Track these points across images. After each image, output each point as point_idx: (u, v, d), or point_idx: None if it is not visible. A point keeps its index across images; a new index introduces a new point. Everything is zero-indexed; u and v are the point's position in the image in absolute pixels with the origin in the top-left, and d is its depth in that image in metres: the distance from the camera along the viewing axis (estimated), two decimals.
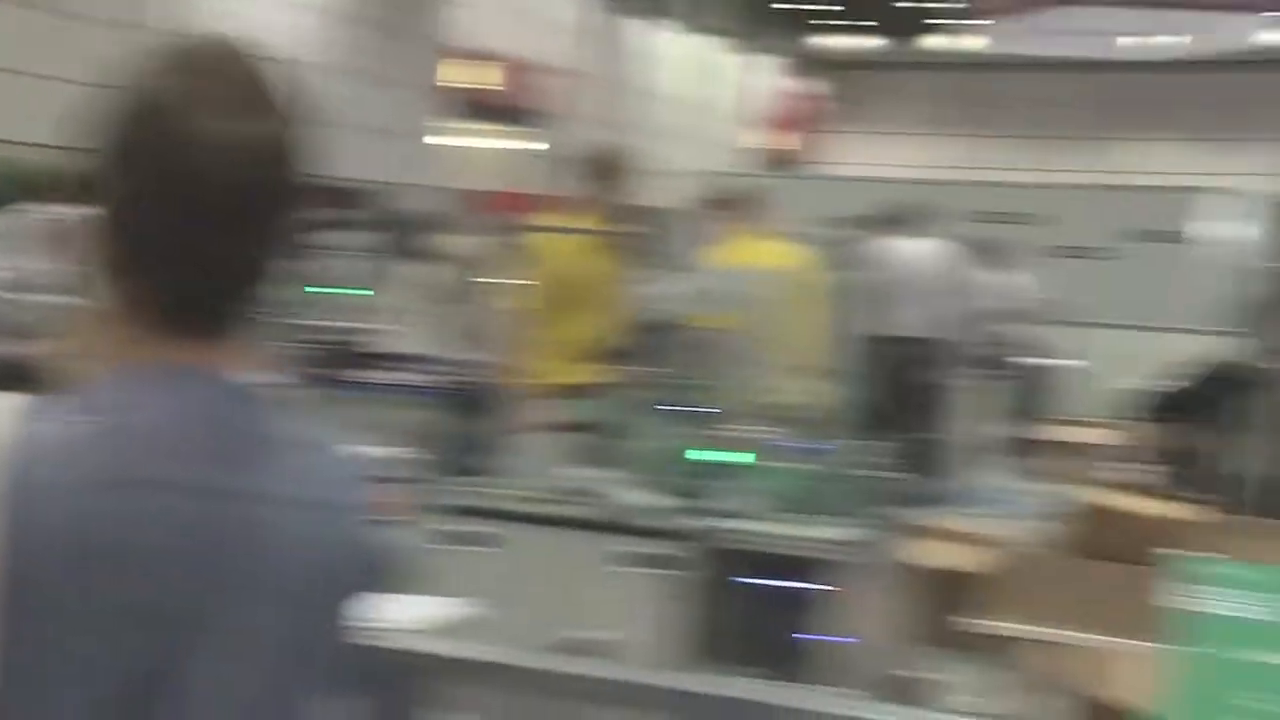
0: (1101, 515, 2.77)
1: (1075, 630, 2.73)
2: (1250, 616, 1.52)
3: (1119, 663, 2.69)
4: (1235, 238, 11.19)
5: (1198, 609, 1.54)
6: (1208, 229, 12.69)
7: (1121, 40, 11.21)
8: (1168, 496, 2.97)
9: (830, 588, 3.78)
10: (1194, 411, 5.82)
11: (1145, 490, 2.97)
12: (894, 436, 4.85)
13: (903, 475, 4.61)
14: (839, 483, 3.96)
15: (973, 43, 18.40)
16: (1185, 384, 6.20)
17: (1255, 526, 3.41)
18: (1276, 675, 1.48)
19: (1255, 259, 4.64)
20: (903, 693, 3.63)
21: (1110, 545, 2.70)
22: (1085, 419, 9.47)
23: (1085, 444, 8.38)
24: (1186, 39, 10.74)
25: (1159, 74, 25.82)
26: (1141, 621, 1.76)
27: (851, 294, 4.77)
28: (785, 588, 3.93)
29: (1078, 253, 12.27)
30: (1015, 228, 11.80)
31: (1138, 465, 6.53)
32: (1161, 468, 5.81)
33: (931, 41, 28.30)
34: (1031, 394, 9.44)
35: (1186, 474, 5.55)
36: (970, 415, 8.33)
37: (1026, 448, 8.53)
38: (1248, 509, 4.37)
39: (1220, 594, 1.54)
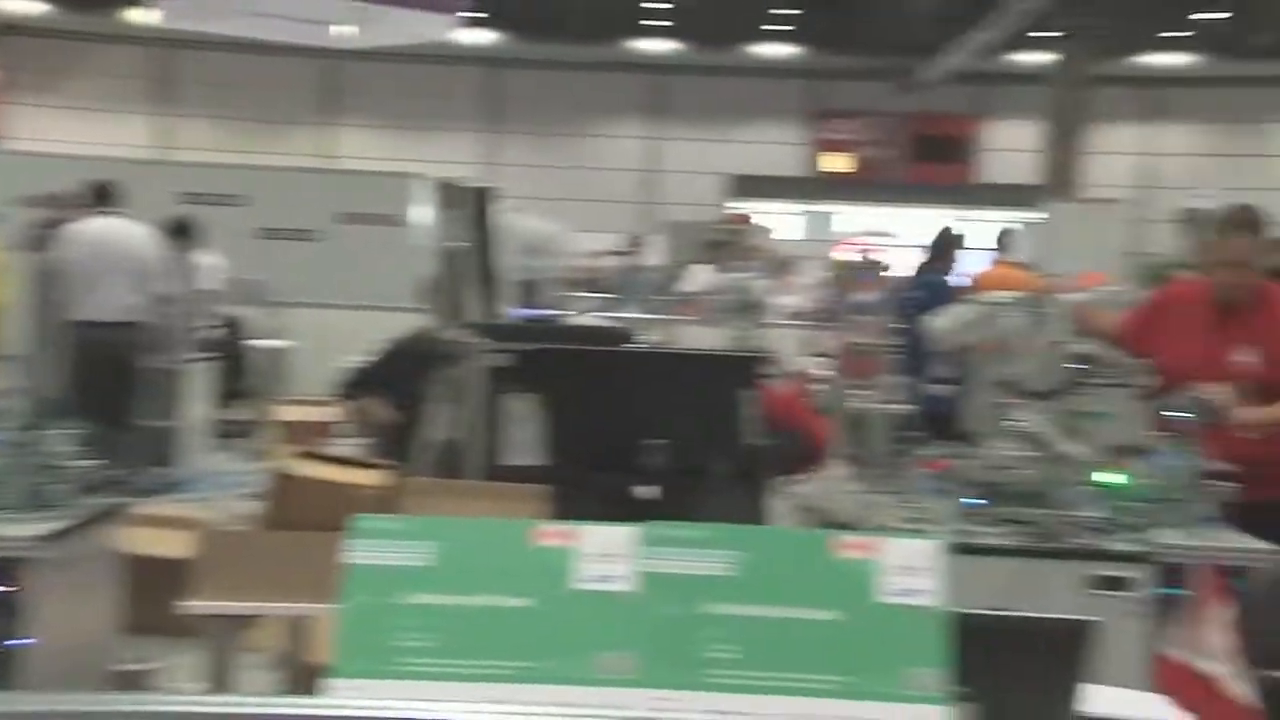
0: (292, 486, 2.86)
1: (276, 601, 2.81)
2: (403, 564, 1.66)
3: (317, 626, 2.80)
4: (428, 220, 11.91)
5: (359, 562, 1.65)
6: (411, 212, 13.46)
7: (334, 29, 11.46)
8: (361, 464, 3.13)
9: (17, 587, 3.56)
10: (386, 384, 6.17)
11: (339, 460, 3.10)
12: (102, 423, 4.63)
13: (110, 463, 4.42)
14: (22, 474, 3.73)
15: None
16: (377, 359, 6.54)
17: (433, 486, 3.71)
18: (427, 614, 1.63)
19: (438, 240, 4.99)
20: (125, 685, 3.51)
21: (303, 515, 2.80)
22: (303, 397, 9.69)
23: (304, 422, 8.57)
24: (384, 30, 11.19)
25: (367, 62, 26.84)
26: (333, 585, 1.84)
27: (42, 277, 4.49)
28: None
29: (288, 234, 12.44)
30: (221, 209, 11.75)
31: (349, 439, 6.80)
32: (368, 439, 6.11)
33: (132, 14, 27.15)
34: (245, 375, 9.47)
35: (387, 444, 5.89)
36: (190, 398, 8.20)
37: (246, 428, 8.55)
38: (433, 471, 4.74)
39: (377, 546, 1.66)
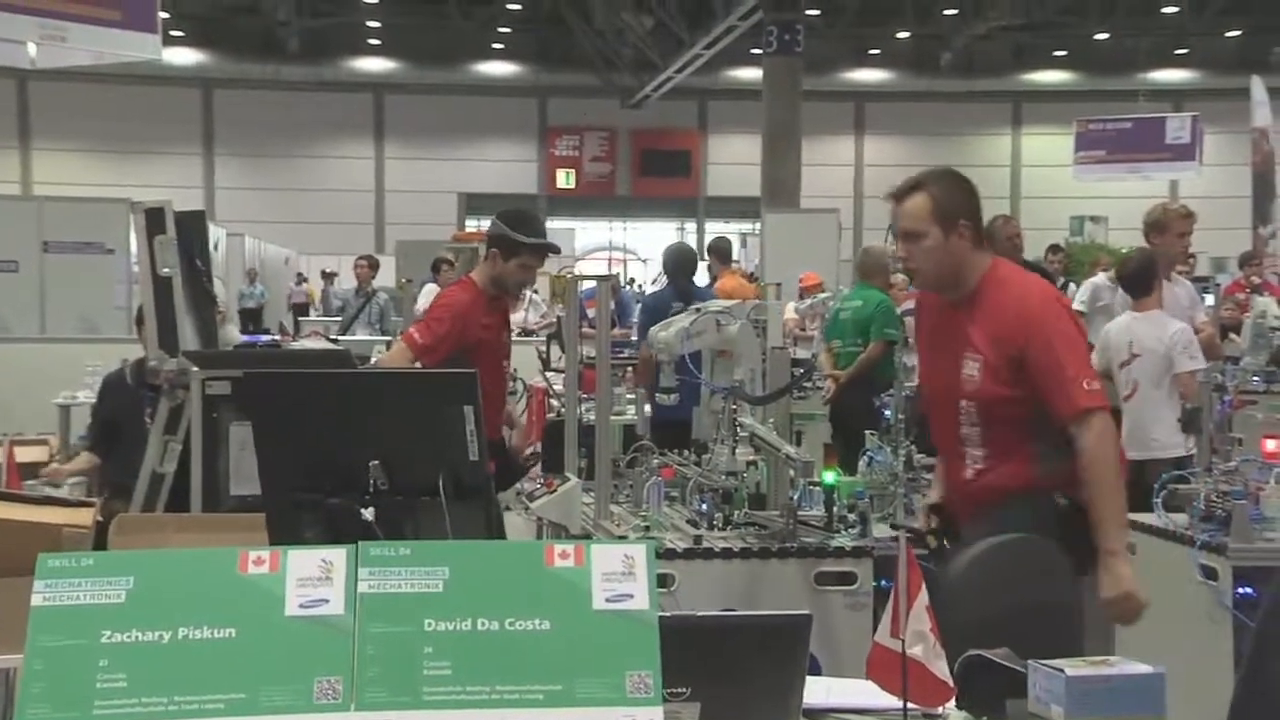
0: None
1: None
2: (96, 602, 1.58)
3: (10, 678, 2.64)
4: (137, 248, 11.48)
5: (46, 604, 1.56)
6: (123, 240, 12.92)
7: (31, 47, 10.88)
8: (63, 504, 2.98)
9: None
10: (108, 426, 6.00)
11: (38, 500, 2.94)
12: None
13: None
14: None
15: None
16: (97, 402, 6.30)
17: (145, 521, 3.57)
18: (123, 653, 1.56)
19: (148, 268, 4.80)
20: None
21: (5, 559, 2.64)
22: (10, 436, 9.18)
23: (9, 462, 8.10)
24: (84, 49, 10.70)
25: (65, 84, 25.60)
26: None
27: None
28: None
29: None
30: None
31: (60, 478, 6.47)
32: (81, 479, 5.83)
33: None
34: None
35: (103, 479, 5.66)
36: None
37: None
38: (158, 507, 4.57)
39: (67, 585, 1.58)
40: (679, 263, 8.37)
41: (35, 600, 1.56)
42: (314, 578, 1.63)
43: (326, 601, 1.62)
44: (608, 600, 1.67)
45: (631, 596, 1.67)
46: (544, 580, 1.67)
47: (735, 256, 20.90)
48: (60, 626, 1.56)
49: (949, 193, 3.57)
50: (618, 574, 1.68)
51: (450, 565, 1.66)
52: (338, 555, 1.65)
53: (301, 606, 1.62)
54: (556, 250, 5.40)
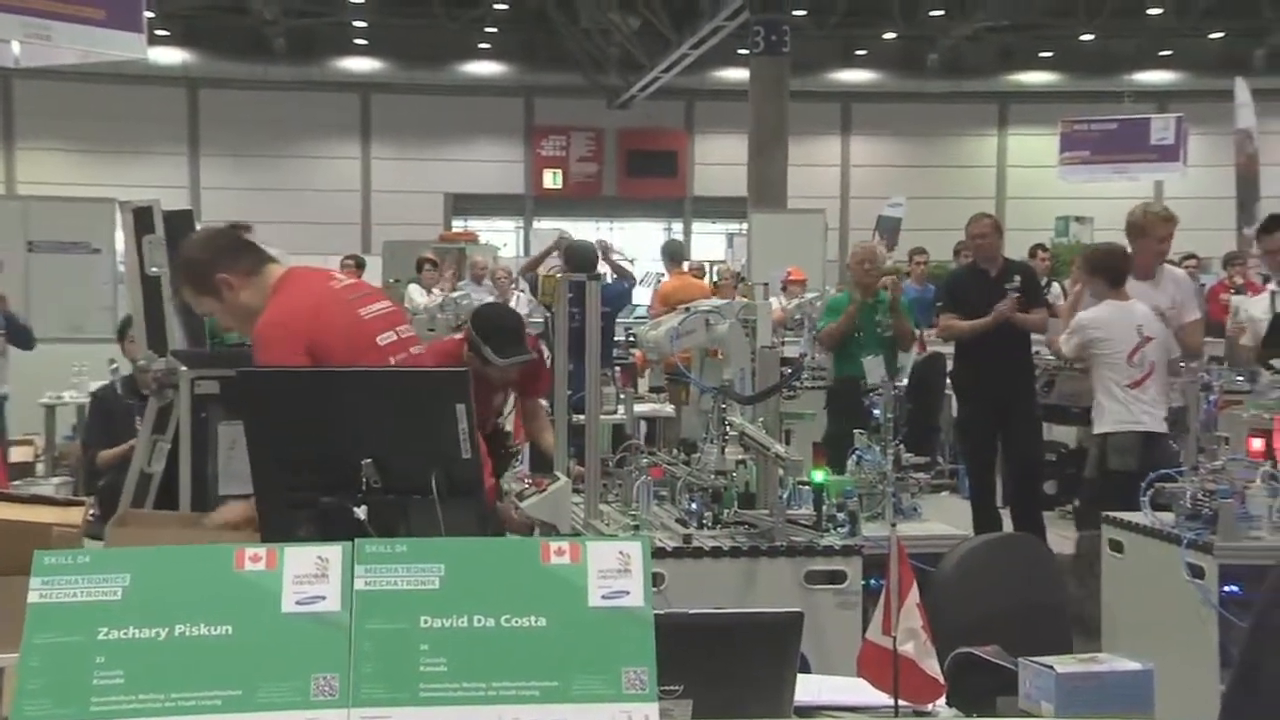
0: None
1: None
2: (92, 599, 1.58)
3: (5, 676, 2.64)
4: (125, 248, 11.46)
5: (42, 600, 1.57)
6: (108, 239, 12.88)
7: (16, 47, 10.83)
8: (53, 503, 2.97)
9: None
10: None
11: (27, 499, 2.93)
12: None
13: None
14: None
15: None
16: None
17: (138, 519, 3.57)
18: (120, 650, 1.56)
19: (135, 268, 4.79)
20: None
21: None
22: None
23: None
24: (67, 47, 10.67)
25: (50, 83, 25.50)
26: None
27: None
28: None
29: None
30: None
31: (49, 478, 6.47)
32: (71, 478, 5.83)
33: None
34: None
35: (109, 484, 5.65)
36: None
37: None
38: (133, 506, 4.55)
39: (63, 582, 1.58)
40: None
41: (32, 597, 1.57)
42: (310, 575, 1.64)
43: (323, 599, 1.63)
44: (603, 597, 1.67)
45: (627, 593, 1.68)
46: (540, 577, 1.67)
47: (721, 256, 20.91)
48: (57, 623, 1.56)
49: None
50: (613, 571, 1.69)
51: (446, 562, 1.66)
52: (334, 552, 1.66)
53: (298, 603, 1.62)
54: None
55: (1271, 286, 6.34)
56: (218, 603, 1.60)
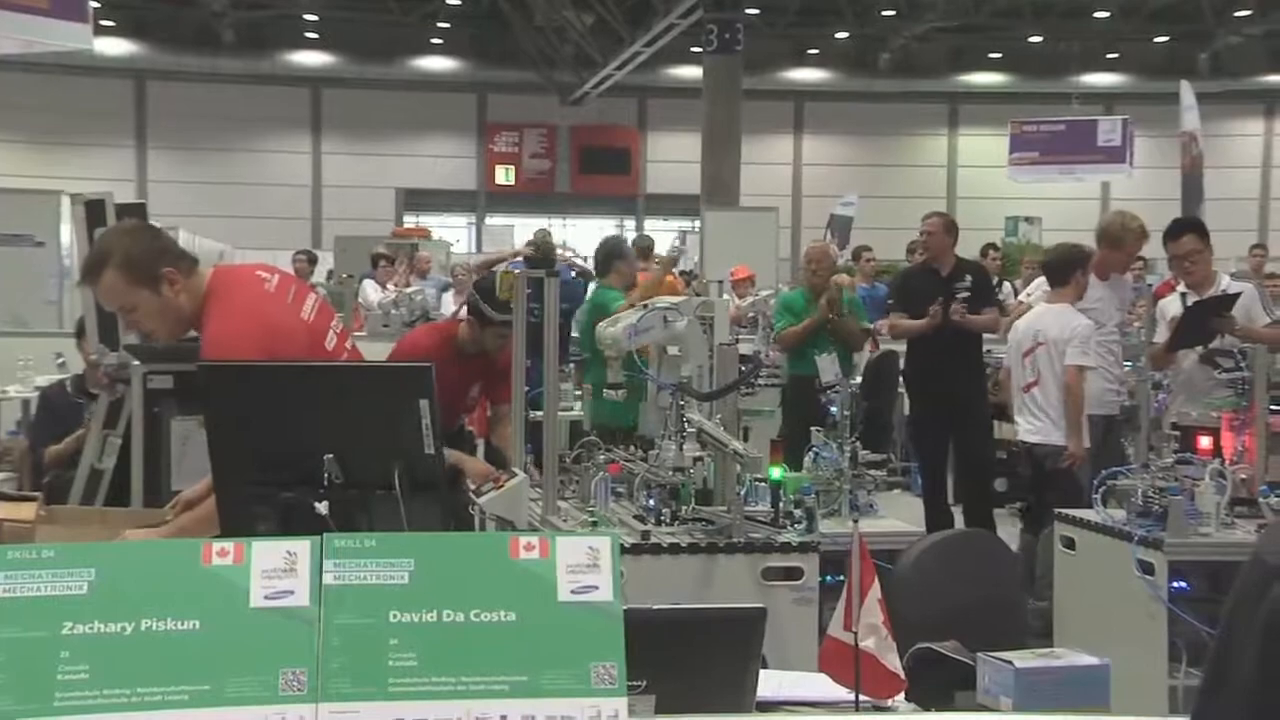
0: None
1: None
2: (56, 594, 1.57)
3: None
4: (73, 240, 11.33)
5: (4, 596, 1.55)
6: (53, 232, 12.71)
7: None
8: (10, 497, 2.94)
9: None
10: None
11: None
12: None
13: None
14: None
15: None
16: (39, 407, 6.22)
17: (84, 515, 3.53)
18: (85, 645, 1.54)
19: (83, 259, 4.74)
20: None
21: None
22: None
23: None
24: (11, 38, 10.52)
25: None
26: None
27: None
28: None
29: None
30: None
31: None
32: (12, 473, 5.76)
33: None
34: None
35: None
36: None
37: None
38: (84, 502, 4.51)
39: (25, 577, 1.57)
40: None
41: None
42: (279, 569, 1.62)
43: (291, 593, 1.61)
44: (573, 592, 1.67)
45: (596, 588, 1.68)
46: (509, 572, 1.67)
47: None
48: (20, 618, 1.54)
49: None
50: (582, 566, 1.68)
51: (415, 557, 1.66)
52: (302, 547, 1.64)
53: (266, 598, 1.61)
54: None
55: (1180, 288, 6.48)
56: (185, 597, 1.59)
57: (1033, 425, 6.54)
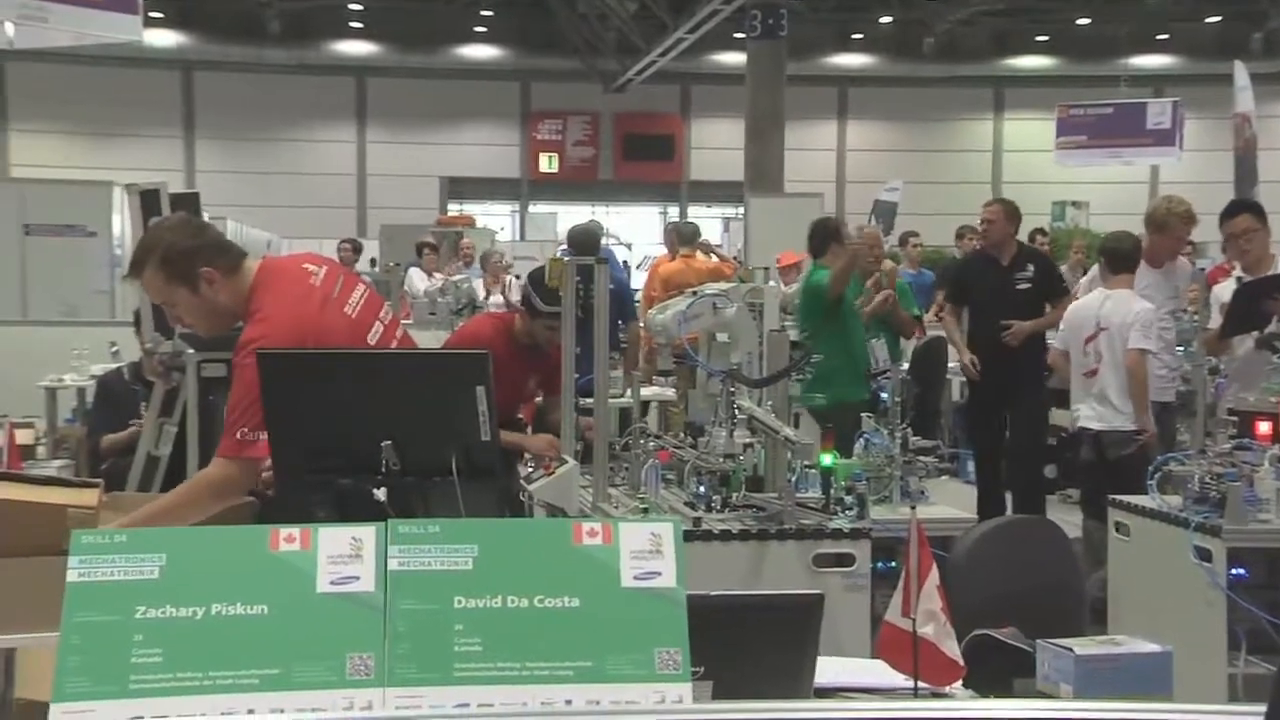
0: None
1: None
2: (130, 578, 1.58)
3: (30, 658, 2.64)
4: (127, 230, 11.45)
5: (81, 579, 1.57)
6: (104, 222, 12.85)
7: (10, 28, 10.82)
8: (63, 484, 2.97)
9: None
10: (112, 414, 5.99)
11: (39, 480, 2.92)
12: None
13: None
14: None
15: None
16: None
17: (141, 502, 3.55)
18: (159, 629, 1.56)
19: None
20: None
21: (4, 540, 2.64)
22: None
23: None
24: (63, 29, 10.64)
25: (43, 65, 25.42)
26: (46, 611, 1.74)
27: None
28: None
29: None
30: None
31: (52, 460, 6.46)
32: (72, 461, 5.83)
33: None
34: None
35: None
36: None
37: None
38: (140, 489, 4.56)
39: (101, 562, 1.59)
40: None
41: (70, 576, 1.57)
42: (344, 555, 1.64)
43: (357, 579, 1.63)
44: (636, 578, 1.67)
45: (659, 574, 1.68)
46: (572, 558, 1.68)
47: (718, 241, 20.86)
48: (95, 602, 1.56)
49: None
50: (645, 552, 1.69)
51: (479, 543, 1.66)
52: (368, 533, 1.66)
53: (332, 584, 1.62)
54: None
55: (1237, 272, 6.39)
56: (253, 582, 1.61)
57: (1095, 412, 6.43)
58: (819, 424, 5.33)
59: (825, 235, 7.68)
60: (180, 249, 3.40)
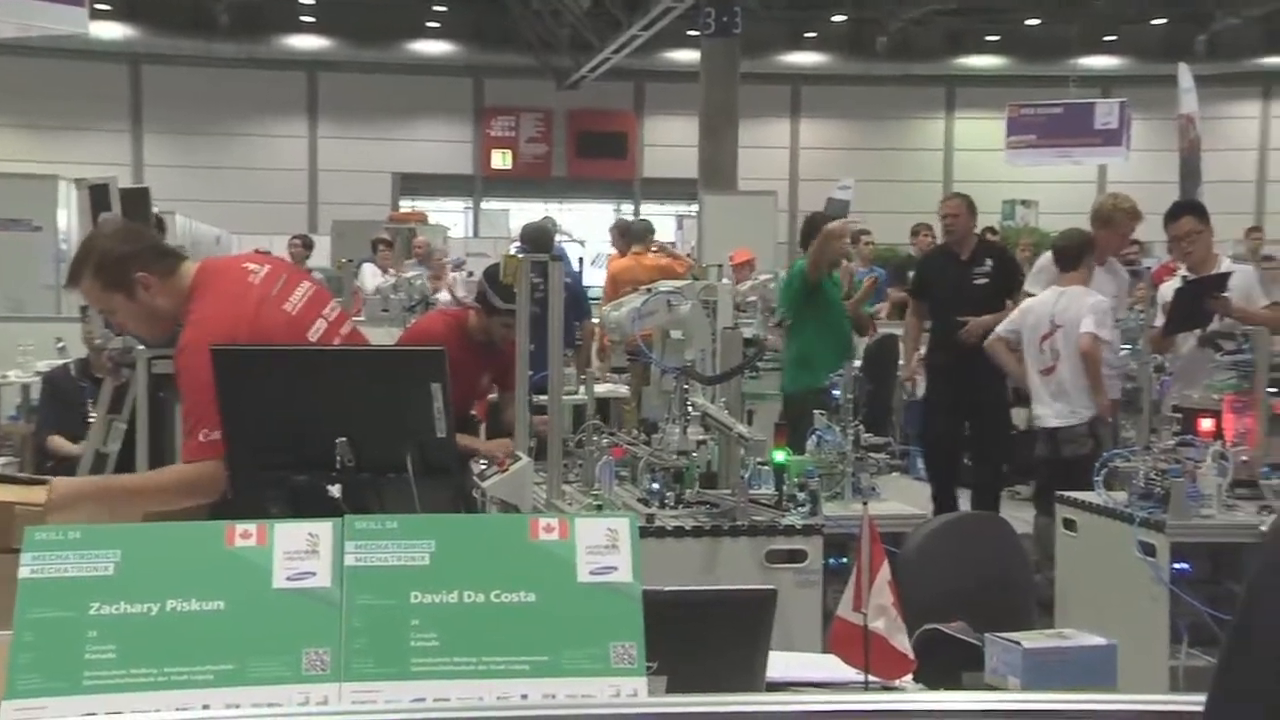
0: None
1: None
2: (83, 575, 1.58)
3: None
4: (74, 225, 11.33)
5: (32, 576, 1.56)
6: (50, 216, 12.70)
7: None
8: (12, 481, 2.95)
9: None
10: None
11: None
12: None
13: None
14: None
15: None
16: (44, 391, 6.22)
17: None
18: (113, 625, 1.56)
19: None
20: None
21: None
22: None
23: None
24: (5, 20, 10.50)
25: None
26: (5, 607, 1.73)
27: None
28: None
29: None
30: None
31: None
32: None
33: None
34: None
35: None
36: None
37: None
38: None
39: (54, 558, 1.58)
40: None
41: (23, 573, 1.56)
42: (301, 551, 1.64)
43: (313, 574, 1.63)
44: (592, 573, 1.69)
45: (615, 569, 1.70)
46: (529, 553, 1.69)
47: (671, 239, 20.89)
48: (48, 598, 1.56)
49: None
50: (601, 547, 1.70)
51: (436, 539, 1.67)
52: (324, 529, 1.66)
53: (288, 579, 1.63)
54: None
55: (1182, 270, 6.49)
56: (209, 578, 1.61)
57: (1053, 409, 6.50)
58: (799, 409, 5.38)
59: (813, 229, 7.78)
60: (115, 255, 3.37)
